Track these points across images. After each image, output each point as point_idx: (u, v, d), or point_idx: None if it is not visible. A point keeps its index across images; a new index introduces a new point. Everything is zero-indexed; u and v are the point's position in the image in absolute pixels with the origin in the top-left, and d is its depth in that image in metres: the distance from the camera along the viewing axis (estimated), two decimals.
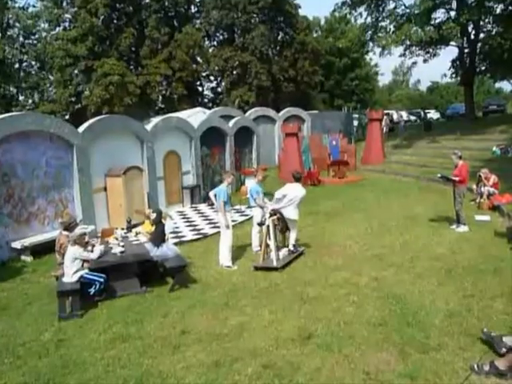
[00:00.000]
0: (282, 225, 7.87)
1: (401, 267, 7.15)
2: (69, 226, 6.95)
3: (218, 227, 10.48)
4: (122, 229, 8.28)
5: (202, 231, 10.20)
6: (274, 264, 7.38)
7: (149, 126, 12.39)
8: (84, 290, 6.25)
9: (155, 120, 13.71)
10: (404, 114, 36.17)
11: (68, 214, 8.60)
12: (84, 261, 6.40)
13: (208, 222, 11.16)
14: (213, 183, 14.72)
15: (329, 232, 9.33)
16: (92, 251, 6.50)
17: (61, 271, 6.54)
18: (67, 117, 27.14)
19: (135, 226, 9.28)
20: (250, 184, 9.05)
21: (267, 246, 7.68)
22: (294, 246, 7.81)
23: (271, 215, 7.69)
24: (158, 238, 7.15)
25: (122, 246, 6.86)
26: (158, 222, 7.25)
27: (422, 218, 10.14)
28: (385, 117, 24.55)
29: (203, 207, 13.20)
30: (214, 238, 9.54)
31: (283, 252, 7.92)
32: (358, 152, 19.64)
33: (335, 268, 7.24)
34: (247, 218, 10.95)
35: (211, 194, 7.74)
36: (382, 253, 7.94)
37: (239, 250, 8.47)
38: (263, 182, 9.17)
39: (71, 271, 6.27)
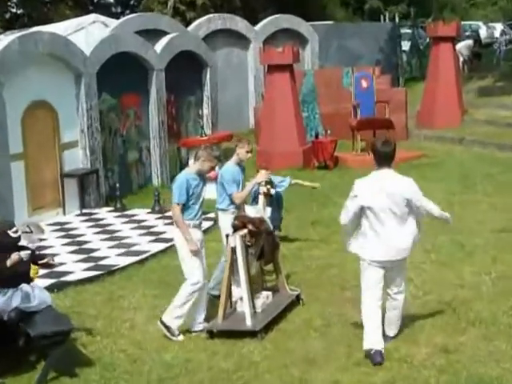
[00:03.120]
0: (262, 244, 7.92)
1: (493, 327, 7.29)
2: None
3: (136, 253, 10.55)
4: None
5: (102, 262, 10.23)
6: (248, 324, 7.46)
7: None
8: None
9: (5, 39, 13.46)
10: (500, 29, 36.71)
11: None
12: None
13: (116, 242, 11.16)
14: (125, 165, 14.61)
15: (352, 258, 9.14)
16: None
17: None
18: None
19: None
20: (224, 167, 8.78)
21: (231, 286, 7.72)
22: None
23: (237, 227, 7.75)
24: (15, 275, 7.05)
25: None
26: (14, 245, 7.16)
27: None
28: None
29: (106, 214, 13.18)
30: (129, 276, 9.57)
31: (263, 299, 7.96)
32: (412, 103, 19.80)
33: None
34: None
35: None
36: (458, 298, 8.06)
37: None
38: (246, 162, 8.91)
39: None
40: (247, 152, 8.60)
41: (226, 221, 8.38)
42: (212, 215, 11.24)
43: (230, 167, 8.54)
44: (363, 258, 6.83)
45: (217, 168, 8.45)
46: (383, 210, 6.63)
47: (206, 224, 10.40)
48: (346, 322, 7.67)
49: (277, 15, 22.76)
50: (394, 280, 6.95)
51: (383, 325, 6.97)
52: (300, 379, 6.40)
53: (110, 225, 12.40)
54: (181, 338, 7.58)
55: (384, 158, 6.78)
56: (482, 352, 6.70)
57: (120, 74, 14.21)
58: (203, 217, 8.03)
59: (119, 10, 31.96)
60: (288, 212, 11.64)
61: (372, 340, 6.70)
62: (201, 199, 7.69)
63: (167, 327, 7.56)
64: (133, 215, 12.99)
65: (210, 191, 8.56)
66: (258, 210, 8.51)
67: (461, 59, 23.82)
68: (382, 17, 32.76)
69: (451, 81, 19.78)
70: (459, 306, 7.86)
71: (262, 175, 8.64)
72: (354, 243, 6.96)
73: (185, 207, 7.52)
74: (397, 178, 6.81)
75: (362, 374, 6.41)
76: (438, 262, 9.37)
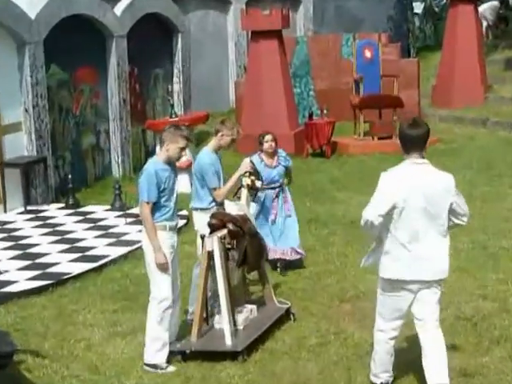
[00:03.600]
0: (245, 248, 7.85)
1: None
2: None
3: (92, 258, 10.56)
4: None
5: (51, 270, 10.21)
6: (228, 343, 7.48)
7: None
8: None
9: None
10: None
11: None
12: None
13: (69, 246, 11.21)
14: (79, 152, 14.59)
15: (354, 265, 9.35)
16: None
17: None
18: None
19: None
20: (201, 155, 8.73)
21: (207, 300, 7.71)
22: None
23: (215, 227, 7.70)
24: None
25: None
26: None
27: None
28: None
29: (56, 212, 13.20)
30: (84, 286, 9.55)
31: (247, 314, 7.98)
32: (426, 77, 20.01)
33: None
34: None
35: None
36: (480, 312, 8.14)
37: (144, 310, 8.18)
38: (227, 149, 8.87)
39: None
40: (233, 141, 8.57)
41: (198, 216, 8.43)
42: (184, 212, 11.23)
43: (207, 155, 8.47)
44: (384, 277, 6.42)
45: (188, 154, 8.32)
46: (418, 214, 6.23)
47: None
48: (344, 340, 7.65)
49: None
50: (426, 307, 6.48)
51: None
52: None
53: (61, 224, 12.33)
54: (171, 369, 7.40)
55: (412, 144, 6.30)
56: (508, 376, 6.70)
57: (72, 41, 14.15)
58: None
59: None
60: None
61: (380, 375, 6.55)
62: (175, 194, 7.59)
63: (153, 366, 7.39)
64: (88, 213, 12.96)
65: (181, 183, 8.47)
66: (241, 207, 8.37)
67: (484, 24, 23.78)
68: None
69: (472, 50, 19.77)
70: (481, 320, 7.89)
71: (246, 164, 8.61)
72: (371, 255, 6.58)
73: (156, 206, 7.38)
74: (435, 172, 6.41)
75: None
76: (456, 269, 9.12)
